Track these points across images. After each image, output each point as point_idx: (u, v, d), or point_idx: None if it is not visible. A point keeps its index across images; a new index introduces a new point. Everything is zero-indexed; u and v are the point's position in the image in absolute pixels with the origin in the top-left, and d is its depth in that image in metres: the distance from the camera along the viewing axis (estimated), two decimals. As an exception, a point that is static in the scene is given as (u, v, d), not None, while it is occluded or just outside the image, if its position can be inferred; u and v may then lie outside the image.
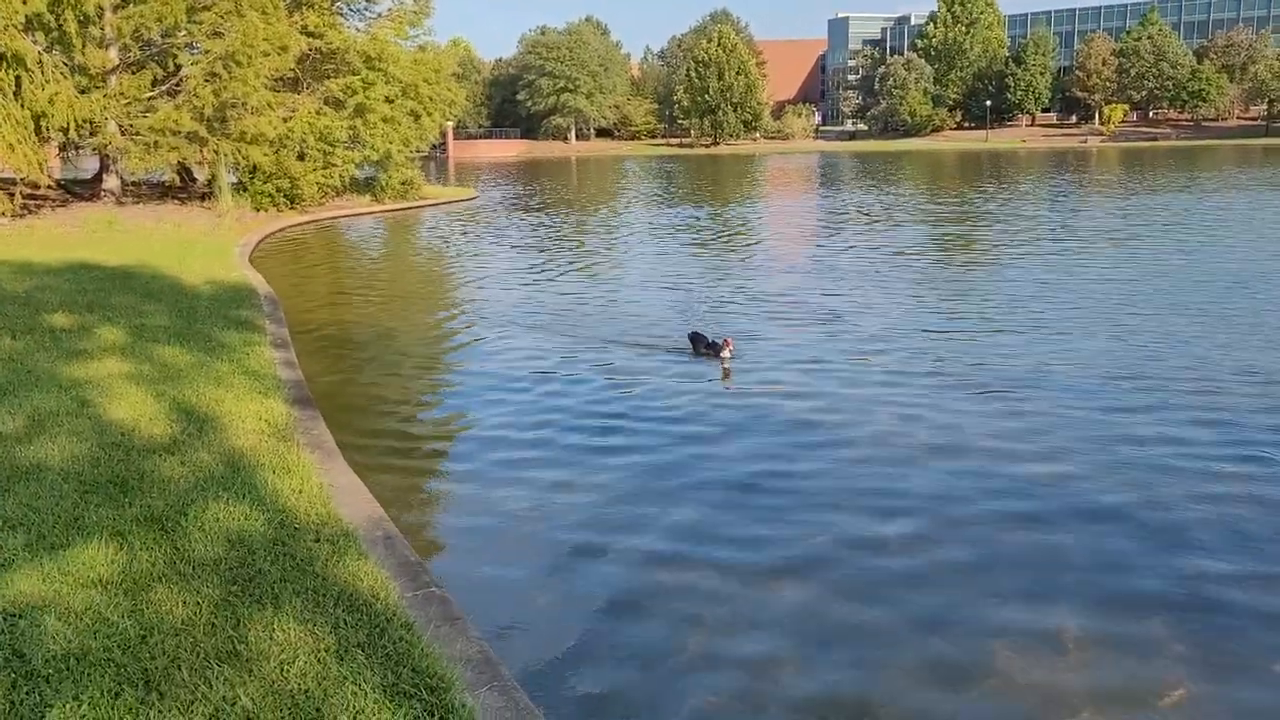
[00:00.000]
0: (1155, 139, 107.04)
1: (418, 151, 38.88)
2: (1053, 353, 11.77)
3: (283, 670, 4.26)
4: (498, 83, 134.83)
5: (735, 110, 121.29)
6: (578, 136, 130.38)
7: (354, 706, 4.00)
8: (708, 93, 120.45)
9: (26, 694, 4.06)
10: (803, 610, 5.71)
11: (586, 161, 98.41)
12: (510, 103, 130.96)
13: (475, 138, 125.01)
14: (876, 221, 29.71)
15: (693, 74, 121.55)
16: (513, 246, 25.20)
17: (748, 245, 24.73)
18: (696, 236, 26.80)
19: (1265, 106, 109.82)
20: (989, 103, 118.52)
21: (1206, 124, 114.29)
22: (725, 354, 11.30)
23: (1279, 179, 45.46)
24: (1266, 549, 6.38)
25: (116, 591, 4.96)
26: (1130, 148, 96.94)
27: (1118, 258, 20.12)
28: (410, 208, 37.39)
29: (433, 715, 3.99)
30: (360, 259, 24.84)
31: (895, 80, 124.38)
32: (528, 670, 4.99)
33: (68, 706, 3.96)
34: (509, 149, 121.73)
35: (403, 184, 37.16)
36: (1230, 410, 9.32)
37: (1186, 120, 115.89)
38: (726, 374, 10.99)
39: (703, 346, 11.69)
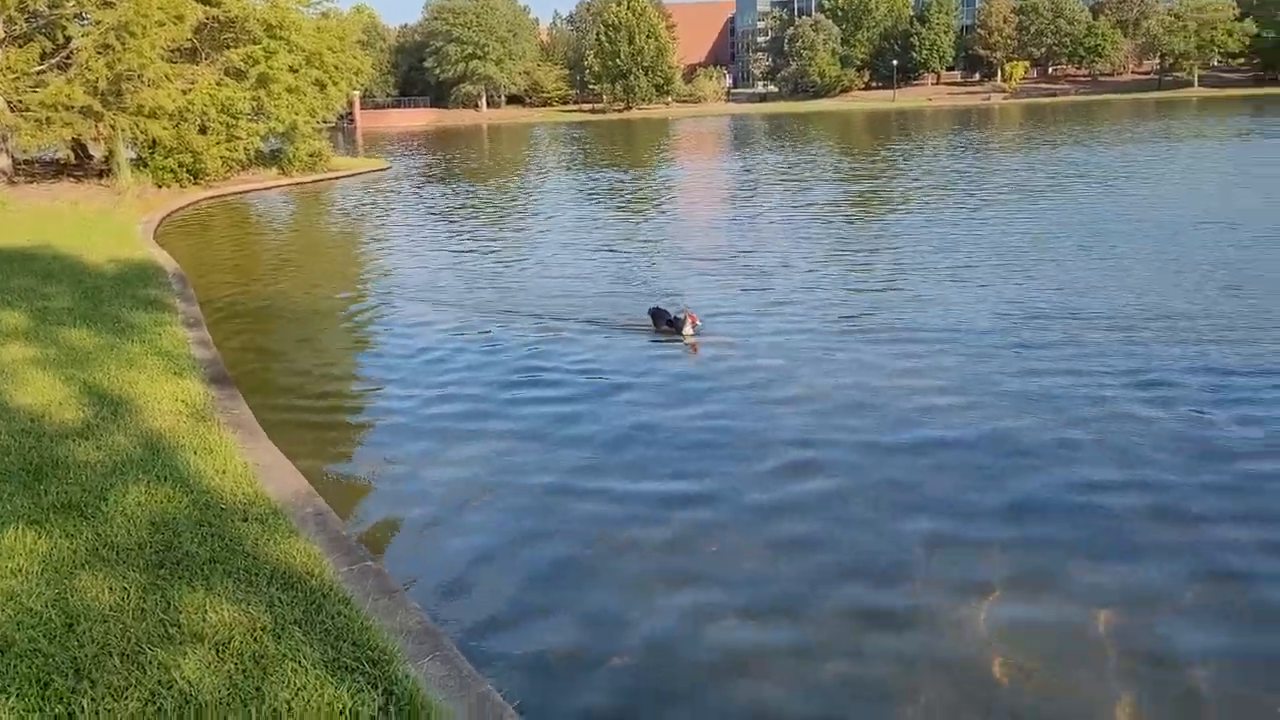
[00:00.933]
0: (1055, 95, 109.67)
1: (324, 122, 37.90)
2: (969, 299, 12.08)
3: (218, 651, 4.19)
4: (404, 50, 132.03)
5: (647, 74, 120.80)
6: (488, 104, 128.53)
7: (294, 683, 3.96)
8: (618, 57, 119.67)
9: (-51, 690, 3.93)
10: (746, 567, 5.80)
11: (498, 129, 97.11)
12: (418, 70, 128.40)
13: (383, 107, 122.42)
14: (793, 181, 29.95)
15: (603, 38, 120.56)
16: (429, 216, 24.81)
17: (668, 209, 24.73)
18: (616, 202, 26.70)
19: (1157, 61, 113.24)
20: (895, 63, 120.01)
21: (1103, 79, 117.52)
22: (688, 330, 10.62)
23: (1172, 131, 47.01)
24: (1150, 459, 6.89)
25: (38, 581, 4.81)
26: (1031, 104, 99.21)
27: (1023, 209, 20.61)
28: (320, 180, 36.50)
29: (375, 687, 3.97)
30: (271, 234, 24.22)
31: (804, 41, 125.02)
32: (469, 638, 4.98)
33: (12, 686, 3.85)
34: (419, 118, 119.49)
35: (311, 156, 36.22)
36: (1128, 343, 9.81)
37: (1084, 76, 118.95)
38: (693, 349, 10.39)
39: (664, 323, 11.02)
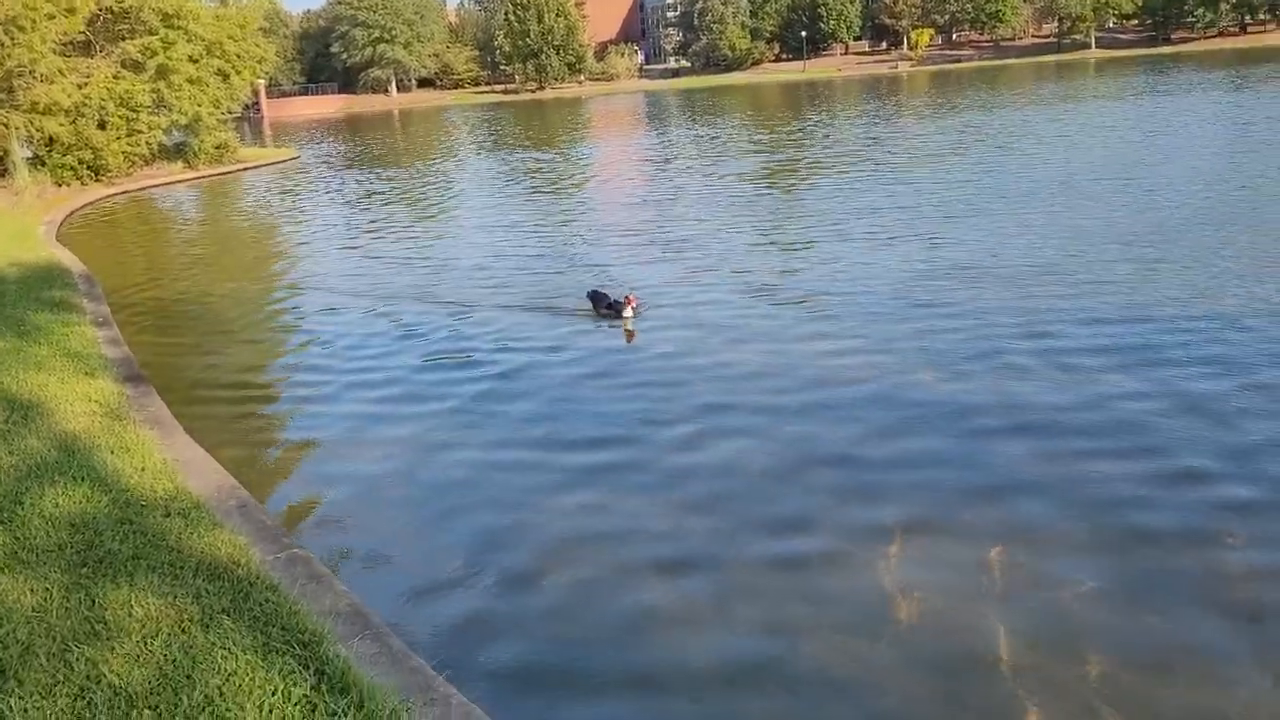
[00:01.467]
0: (959, 61, 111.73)
1: (229, 113, 37.00)
2: (877, 262, 12.41)
3: (146, 644, 4.22)
4: (309, 36, 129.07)
5: (558, 53, 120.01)
6: (399, 88, 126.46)
7: (224, 669, 4.01)
8: (529, 36, 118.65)
9: None
10: (661, 526, 5.96)
11: (410, 113, 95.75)
12: (324, 56, 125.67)
13: (290, 95, 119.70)
14: (709, 155, 30.17)
15: (512, 18, 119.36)
16: (343, 204, 24.51)
17: (586, 188, 24.78)
18: (534, 183, 26.63)
19: (1055, 24, 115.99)
20: (804, 34, 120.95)
21: (1004, 44, 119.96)
22: (627, 313, 10.30)
23: (1071, 93, 48.39)
24: (1035, 404, 7.18)
25: (-45, 586, 4.76)
26: (937, 70, 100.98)
27: (931, 175, 21.10)
28: (227, 172, 35.69)
29: (307, 668, 4.04)
30: (179, 229, 23.68)
31: (713, 15, 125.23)
32: (398, 615, 5.07)
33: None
34: (327, 105, 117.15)
35: (217, 148, 35.38)
36: (1023, 298, 10.27)
37: (987, 41, 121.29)
38: (630, 335, 10.08)
39: (603, 306, 10.70)
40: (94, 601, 4.60)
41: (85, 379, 8.50)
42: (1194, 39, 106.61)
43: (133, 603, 4.58)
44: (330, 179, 32.02)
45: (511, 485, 6.70)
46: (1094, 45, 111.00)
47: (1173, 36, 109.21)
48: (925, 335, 9.39)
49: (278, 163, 39.96)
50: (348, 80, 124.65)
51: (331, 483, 7.01)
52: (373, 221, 20.78)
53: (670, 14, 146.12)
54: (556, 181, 26.32)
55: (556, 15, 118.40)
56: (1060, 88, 53.82)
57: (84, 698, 3.84)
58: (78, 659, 4.11)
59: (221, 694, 3.82)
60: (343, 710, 3.71)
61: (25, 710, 3.74)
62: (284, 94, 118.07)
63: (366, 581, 5.43)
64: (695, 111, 58.47)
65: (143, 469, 6.37)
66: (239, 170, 36.42)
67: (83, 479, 6.11)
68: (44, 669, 4.04)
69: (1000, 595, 5.05)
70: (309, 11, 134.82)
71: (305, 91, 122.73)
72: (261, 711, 3.71)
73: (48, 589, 4.73)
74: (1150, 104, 37.40)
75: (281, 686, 3.88)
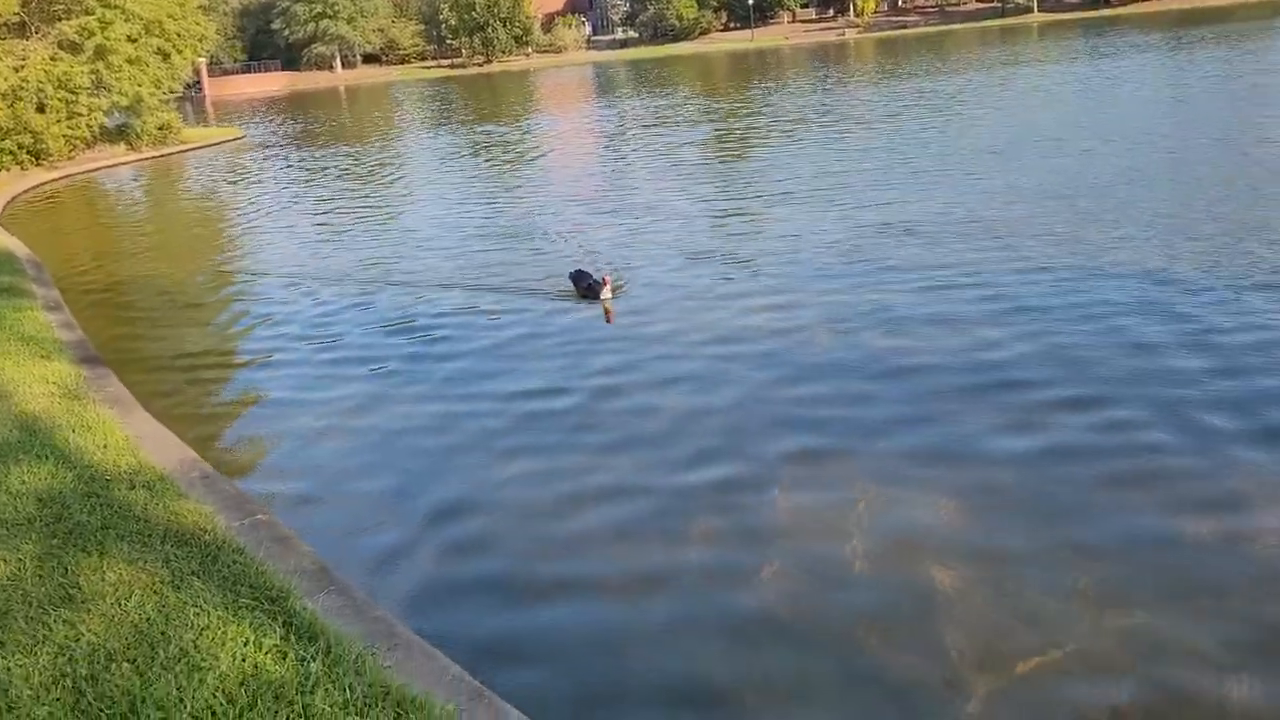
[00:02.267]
0: (905, 27, 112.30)
1: (171, 92, 36.47)
2: (825, 226, 12.77)
3: (120, 605, 4.44)
4: (249, 13, 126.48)
5: (505, 26, 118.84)
6: (344, 64, 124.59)
7: (197, 625, 4.25)
8: (474, 10, 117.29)
9: None
10: (609, 480, 6.27)
11: (356, 90, 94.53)
12: (266, 33, 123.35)
13: (231, 73, 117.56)
14: (661, 125, 30.33)
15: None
16: (291, 183, 24.40)
17: (544, 160, 24.89)
18: (490, 157, 26.66)
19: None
20: (751, 2, 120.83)
21: (950, 9, 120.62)
22: (605, 293, 10.03)
23: (1012, 57, 49.04)
24: (971, 346, 7.52)
25: (-70, 561, 4.94)
26: (884, 37, 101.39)
27: (880, 139, 21.49)
28: (172, 153, 35.26)
29: (276, 620, 4.29)
30: (125, 212, 23.47)
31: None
32: (361, 573, 5.33)
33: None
34: (271, 83, 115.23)
35: (160, 129, 34.90)
36: (968, 251, 10.64)
37: (932, 7, 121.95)
38: (608, 314, 9.81)
39: (584, 286, 10.38)
40: (67, 569, 4.80)
41: (41, 362, 8.61)
42: (1135, 0, 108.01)
43: (104, 569, 4.79)
44: (278, 158, 31.78)
45: (464, 454, 6.98)
46: (1036, 9, 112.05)
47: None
48: (865, 290, 9.94)
49: (223, 142, 39.48)
50: (291, 57, 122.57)
51: (290, 453, 7.25)
52: (323, 199, 20.79)
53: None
54: (511, 155, 26.38)
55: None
56: (1003, 52, 54.46)
57: (64, 654, 4.06)
58: (55, 620, 4.32)
59: (196, 646, 4.06)
60: (311, 656, 3.97)
61: (9, 667, 3.95)
62: (226, 72, 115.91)
63: (328, 541, 5.67)
64: (645, 82, 58.42)
65: (105, 445, 6.54)
66: (183, 151, 35.99)
67: (46, 457, 6.27)
68: (23, 630, 4.25)
69: (865, 510, 5.68)
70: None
71: (248, 69, 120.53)
72: (235, 660, 3.96)
73: (20, 559, 4.92)
74: (1088, 68, 38.06)
75: (253, 638, 4.12)
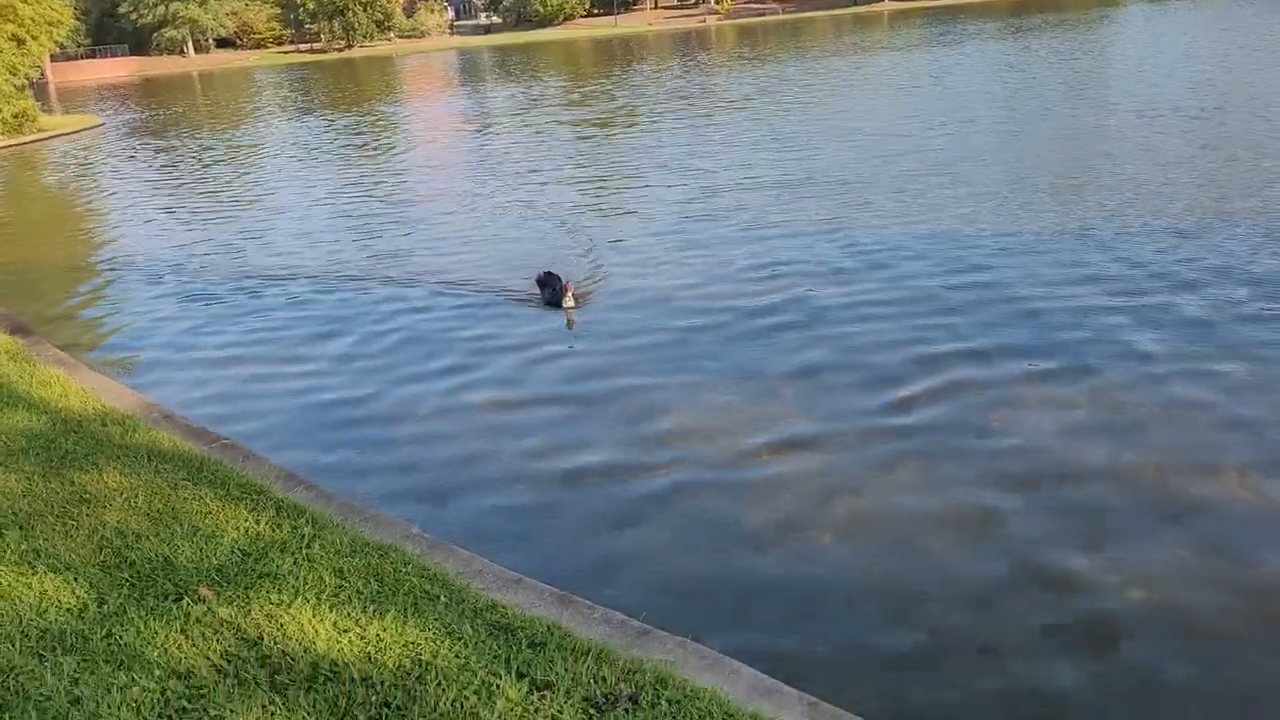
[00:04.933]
0: (764, 14, 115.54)
1: (28, 79, 35.52)
2: (711, 202, 14.20)
3: (130, 502, 5.43)
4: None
5: (365, 10, 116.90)
6: (196, 49, 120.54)
7: (201, 510, 5.29)
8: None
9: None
10: (521, 424, 7.48)
11: (211, 76, 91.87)
12: (112, 18, 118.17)
13: (75, 59, 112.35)
14: (537, 109, 31.34)
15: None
16: (160, 173, 24.49)
17: (414, 151, 25.60)
18: (358, 145, 27.19)
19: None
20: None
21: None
22: (567, 301, 9.70)
23: (865, 43, 51.80)
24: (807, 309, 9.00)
25: (-54, 482, 5.80)
26: (744, 24, 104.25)
27: (742, 122, 23.11)
28: (28, 142, 34.42)
29: (265, 504, 5.36)
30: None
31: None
32: (319, 477, 6.39)
33: (-40, 553, 4.96)
34: (119, 68, 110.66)
35: (15, 117, 34.05)
36: (821, 220, 12.17)
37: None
38: (570, 324, 9.51)
39: (548, 293, 10.01)
40: (72, 481, 5.75)
41: (-25, 332, 9.26)
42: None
43: (105, 480, 5.75)
44: (143, 146, 31.48)
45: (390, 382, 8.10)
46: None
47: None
48: (757, 256, 11.34)
49: (83, 130, 38.60)
50: (139, 41, 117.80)
51: (234, 401, 8.21)
52: (187, 186, 21.11)
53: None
54: (380, 144, 27.01)
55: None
56: (858, 39, 57.33)
57: (97, 535, 5.05)
58: (78, 514, 5.29)
59: (205, 523, 5.12)
60: (303, 524, 5.08)
61: (54, 546, 4.93)
62: (70, 58, 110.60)
63: (287, 459, 6.70)
64: (513, 68, 59.09)
65: (66, 395, 7.40)
66: (41, 139, 35.15)
67: (16, 405, 7.11)
68: (54, 523, 5.21)
69: (782, 414, 6.91)
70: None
71: (92, 54, 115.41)
72: (241, 529, 5.03)
73: (27, 476, 5.84)
74: (937, 53, 40.76)
75: (250, 515, 5.20)
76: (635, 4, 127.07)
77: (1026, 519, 5.48)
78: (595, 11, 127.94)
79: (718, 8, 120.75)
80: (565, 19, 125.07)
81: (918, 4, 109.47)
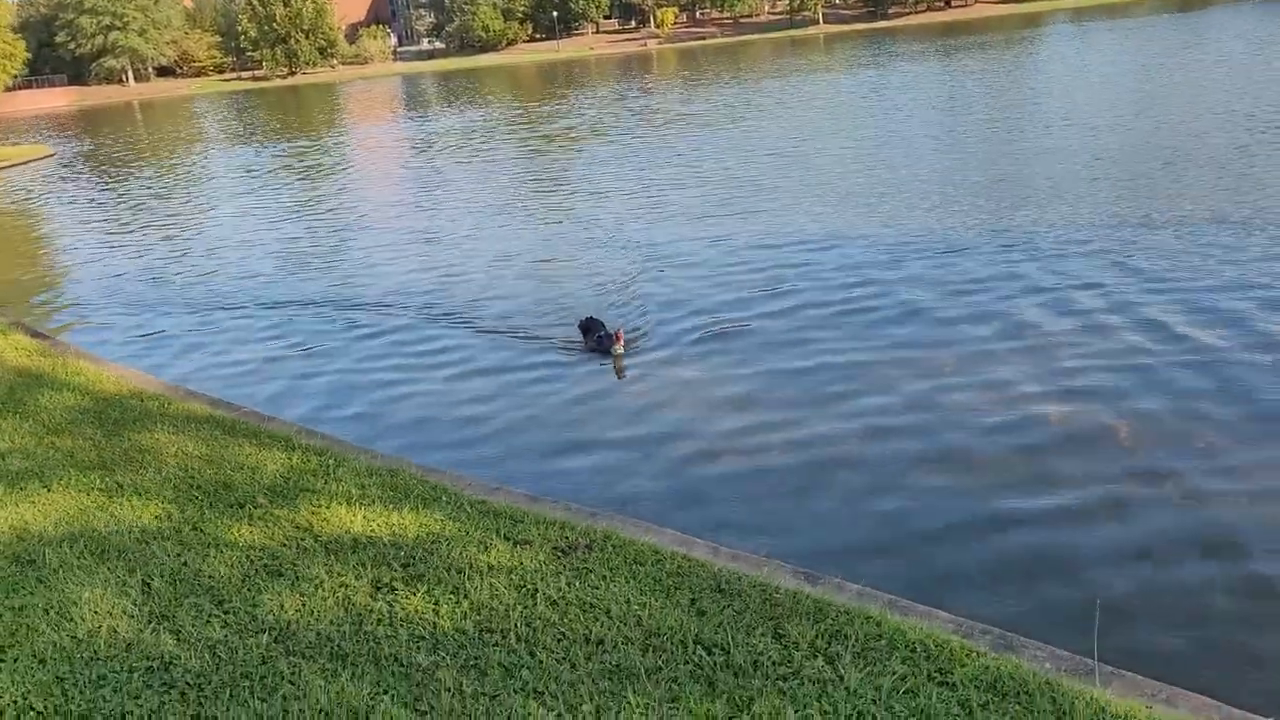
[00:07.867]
0: (704, 38, 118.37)
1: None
2: (658, 209, 15.76)
3: (183, 450, 6.77)
4: (29, 27, 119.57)
5: (308, 37, 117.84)
6: (136, 78, 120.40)
7: (242, 454, 6.65)
8: (274, 20, 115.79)
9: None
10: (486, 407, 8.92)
11: (152, 105, 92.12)
12: (49, 48, 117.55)
13: (11, 90, 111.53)
14: (483, 135, 32.80)
15: (255, 2, 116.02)
16: (115, 205, 25.39)
17: (355, 178, 26.93)
18: (301, 174, 28.42)
19: (788, 2, 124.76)
20: (555, 14, 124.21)
21: (744, 20, 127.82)
22: (617, 348, 9.35)
23: (801, 66, 54.08)
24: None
25: (30, 440, 7.08)
26: (684, 48, 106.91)
27: (689, 141, 24.81)
28: (-19, 173, 35.17)
29: (293, 448, 6.73)
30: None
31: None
32: (332, 429, 7.76)
33: (67, 477, 6.24)
34: (57, 99, 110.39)
35: (-32, 148, 34.73)
36: (756, 228, 13.77)
37: (728, 19, 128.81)
38: (620, 372, 9.19)
39: (593, 340, 9.68)
40: (130, 439, 7.07)
41: (1, 336, 10.48)
42: (907, 13, 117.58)
43: (157, 437, 7.08)
44: (101, 178, 32.35)
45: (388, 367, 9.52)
46: (822, 21, 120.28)
47: (889, 12, 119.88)
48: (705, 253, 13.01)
49: (33, 161, 39.34)
50: (77, 71, 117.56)
51: (247, 381, 9.54)
52: (136, 218, 21.78)
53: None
54: (323, 172, 28.24)
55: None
56: (796, 61, 59.68)
57: (163, 471, 6.39)
58: (144, 460, 6.62)
59: (248, 462, 6.49)
60: (326, 458, 6.47)
61: (131, 480, 6.26)
62: (6, 89, 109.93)
63: (303, 417, 8.06)
64: (456, 94, 60.55)
65: (101, 380, 8.69)
66: (-5, 170, 35.90)
67: (60, 389, 8.39)
68: (126, 465, 6.54)
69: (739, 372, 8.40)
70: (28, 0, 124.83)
71: (28, 85, 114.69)
72: (278, 465, 6.41)
73: (89, 436, 7.15)
74: (875, 75, 43.00)
75: (284, 455, 6.58)
76: (577, 29, 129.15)
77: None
78: (538, 36, 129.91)
79: (658, 31, 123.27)
80: (508, 44, 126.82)
81: (851, 27, 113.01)
